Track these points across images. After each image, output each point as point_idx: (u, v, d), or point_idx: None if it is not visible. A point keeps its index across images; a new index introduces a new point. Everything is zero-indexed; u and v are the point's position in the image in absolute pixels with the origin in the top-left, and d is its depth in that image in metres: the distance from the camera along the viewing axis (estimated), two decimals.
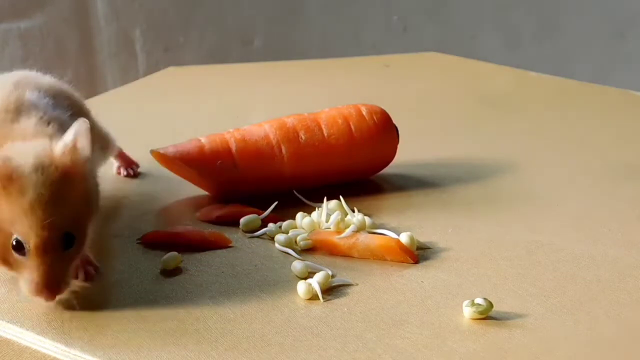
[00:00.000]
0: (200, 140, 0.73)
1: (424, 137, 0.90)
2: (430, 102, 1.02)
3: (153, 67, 1.57)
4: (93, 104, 1.05)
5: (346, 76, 1.12)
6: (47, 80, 0.65)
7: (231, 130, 0.75)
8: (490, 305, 0.56)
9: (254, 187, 0.73)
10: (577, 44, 1.72)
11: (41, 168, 0.52)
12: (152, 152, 0.74)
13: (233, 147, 0.73)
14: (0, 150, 0.53)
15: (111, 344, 0.54)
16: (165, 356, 0.52)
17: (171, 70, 1.15)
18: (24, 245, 0.52)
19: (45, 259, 0.52)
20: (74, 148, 0.54)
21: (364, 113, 0.76)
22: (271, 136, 0.74)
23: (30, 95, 0.59)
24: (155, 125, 0.93)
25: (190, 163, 0.72)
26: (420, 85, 1.08)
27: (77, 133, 0.54)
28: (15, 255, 0.53)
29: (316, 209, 0.69)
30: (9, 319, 0.56)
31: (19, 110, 0.58)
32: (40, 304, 0.55)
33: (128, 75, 1.58)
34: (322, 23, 1.69)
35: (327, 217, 0.67)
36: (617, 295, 0.60)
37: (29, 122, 0.57)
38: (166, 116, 0.97)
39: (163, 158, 0.74)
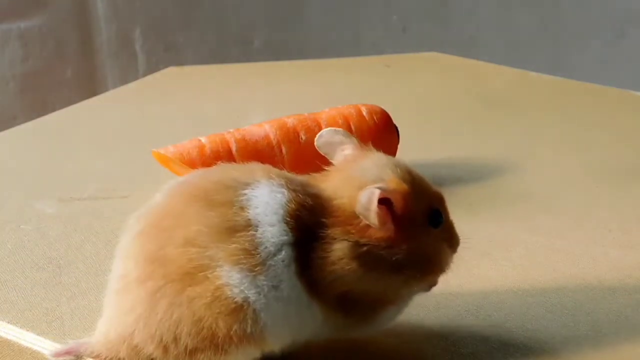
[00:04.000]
0: (200, 140, 0.73)
1: (424, 137, 0.89)
2: (430, 102, 1.02)
3: (153, 67, 1.57)
4: (93, 104, 1.05)
5: (346, 76, 1.12)
6: None
7: (231, 130, 0.75)
8: None
9: None
10: (577, 44, 1.73)
11: None
12: (152, 152, 0.74)
13: (233, 147, 0.73)
14: None
15: None
16: None
17: (171, 70, 1.15)
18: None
19: None
20: None
21: (364, 113, 0.76)
22: (271, 136, 0.74)
23: None
24: (155, 125, 0.93)
25: (190, 163, 0.72)
26: (420, 85, 1.08)
27: None
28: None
29: None
30: (9, 320, 0.56)
31: None
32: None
33: (128, 75, 1.58)
34: (322, 23, 1.69)
35: None
36: (617, 295, 0.60)
37: None
38: (166, 116, 0.97)
39: (163, 158, 0.74)
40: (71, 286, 0.60)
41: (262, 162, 0.72)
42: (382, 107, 0.78)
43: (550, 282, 0.61)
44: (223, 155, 0.72)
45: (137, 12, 1.57)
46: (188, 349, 0.47)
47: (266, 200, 0.48)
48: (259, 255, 0.46)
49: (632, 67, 1.71)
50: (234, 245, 0.46)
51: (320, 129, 0.75)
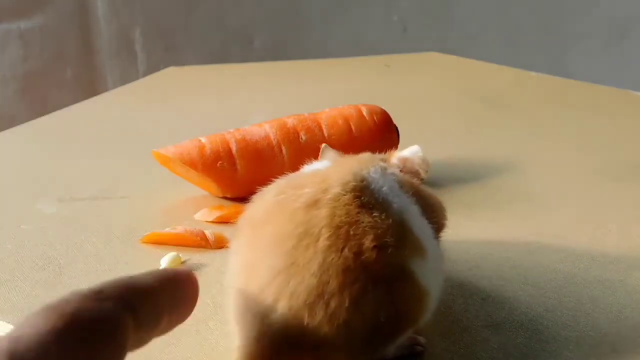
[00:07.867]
0: (200, 140, 0.73)
1: (424, 137, 0.89)
2: (430, 102, 1.02)
3: (153, 67, 1.57)
4: (93, 104, 1.05)
5: (346, 76, 1.12)
6: None
7: (231, 130, 0.75)
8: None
9: (254, 187, 0.73)
10: (577, 44, 1.73)
11: None
12: (153, 152, 0.74)
13: (233, 147, 0.73)
14: None
15: None
16: (166, 357, 0.52)
17: (171, 70, 1.15)
18: None
19: None
20: None
21: (364, 113, 0.76)
22: (271, 136, 0.74)
23: None
24: (155, 125, 0.93)
25: (190, 163, 0.72)
26: (420, 85, 1.08)
27: None
28: None
29: None
30: (9, 320, 0.56)
31: None
32: None
33: (128, 75, 1.58)
34: (322, 23, 1.69)
35: None
36: (617, 295, 0.60)
37: None
38: (166, 116, 0.97)
39: (163, 158, 0.74)
40: (71, 286, 0.60)
41: (262, 162, 0.73)
42: (382, 107, 0.78)
43: (550, 282, 0.61)
44: (223, 155, 0.72)
45: (137, 12, 1.57)
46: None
47: (390, 186, 0.50)
48: (419, 240, 0.49)
49: (632, 67, 1.71)
50: (408, 240, 0.48)
51: (320, 129, 0.75)
